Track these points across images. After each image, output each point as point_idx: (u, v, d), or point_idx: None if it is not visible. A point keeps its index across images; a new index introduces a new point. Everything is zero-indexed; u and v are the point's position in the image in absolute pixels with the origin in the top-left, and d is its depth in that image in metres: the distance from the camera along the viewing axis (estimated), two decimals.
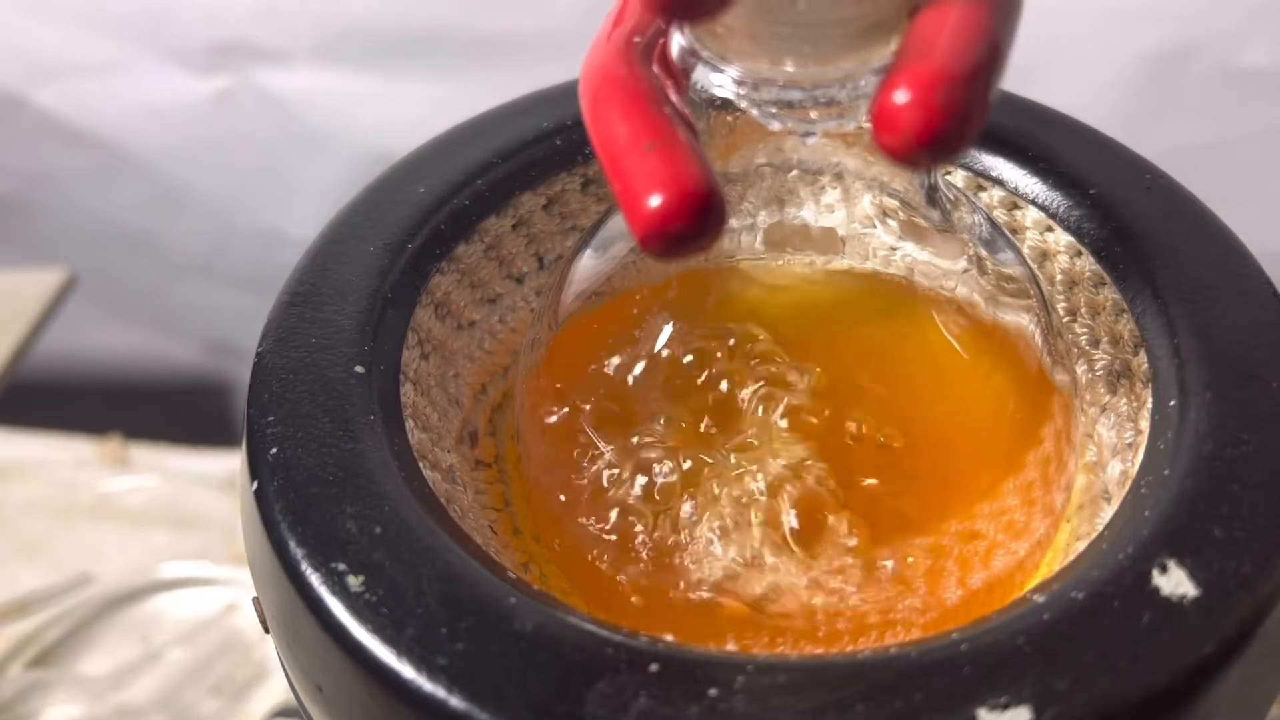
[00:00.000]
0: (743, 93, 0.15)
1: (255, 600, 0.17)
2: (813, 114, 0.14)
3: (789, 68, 0.14)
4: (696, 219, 0.12)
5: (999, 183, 0.21)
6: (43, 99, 0.61)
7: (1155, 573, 0.14)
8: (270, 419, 0.16)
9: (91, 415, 0.61)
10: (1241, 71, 0.52)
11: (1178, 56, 0.52)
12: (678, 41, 0.15)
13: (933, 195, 0.17)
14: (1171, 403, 0.17)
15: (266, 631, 0.16)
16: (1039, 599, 0.14)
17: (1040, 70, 0.53)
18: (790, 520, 0.16)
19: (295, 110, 0.59)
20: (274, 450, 0.16)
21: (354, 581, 0.14)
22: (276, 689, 0.39)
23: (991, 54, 0.12)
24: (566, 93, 0.22)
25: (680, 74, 0.15)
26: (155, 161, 0.62)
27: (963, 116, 0.11)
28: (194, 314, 0.69)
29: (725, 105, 0.15)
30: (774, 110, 0.15)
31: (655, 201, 0.12)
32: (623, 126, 0.13)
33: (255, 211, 0.63)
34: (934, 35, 0.12)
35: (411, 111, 0.58)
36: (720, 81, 0.15)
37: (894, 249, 0.19)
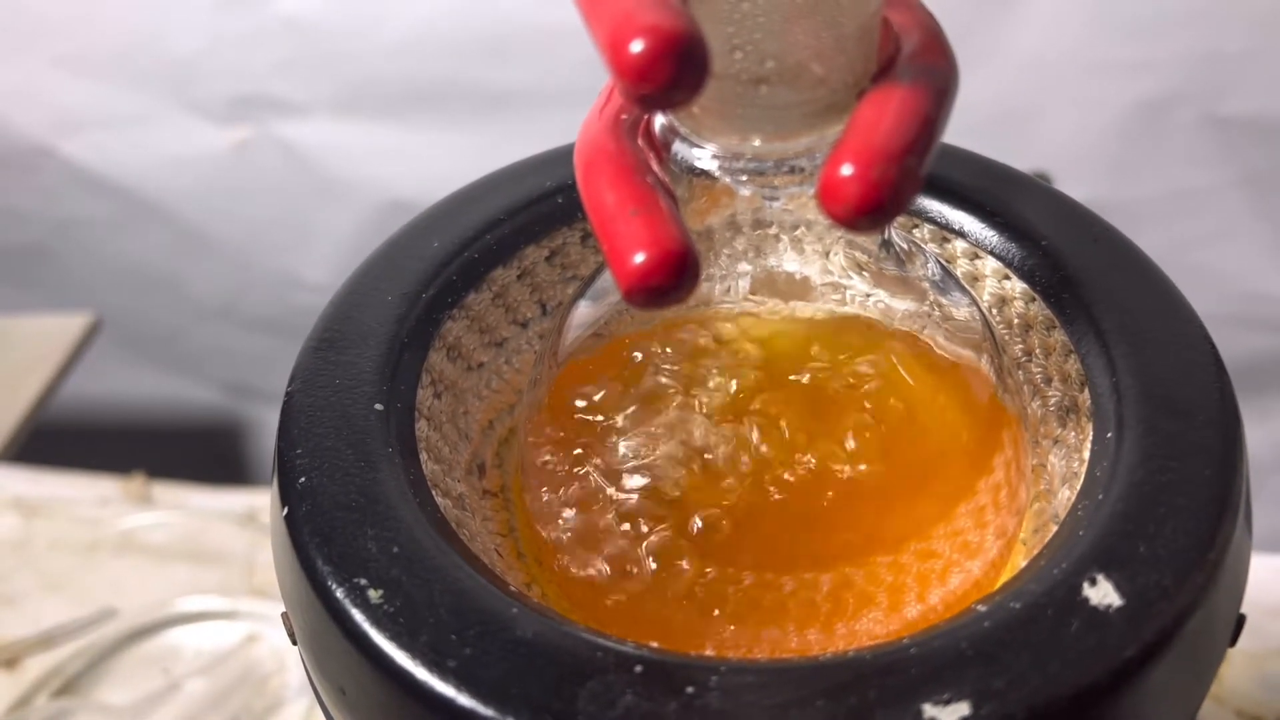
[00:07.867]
0: (716, 164, 0.17)
1: (284, 615, 0.18)
2: (776, 181, 0.16)
3: (756, 143, 0.16)
4: (674, 275, 0.14)
5: (961, 235, 0.23)
6: (69, 149, 0.63)
7: (1086, 585, 0.16)
8: (298, 451, 0.18)
9: (115, 455, 0.62)
10: (1224, 120, 0.53)
11: (1163, 106, 0.53)
12: (659, 120, 0.17)
13: (888, 247, 0.19)
14: (1109, 435, 0.18)
15: (294, 643, 0.18)
16: (981, 609, 0.16)
17: (1034, 120, 0.55)
18: (764, 541, 0.18)
19: (312, 160, 0.61)
20: (302, 479, 0.18)
21: (374, 595, 0.16)
22: (292, 718, 0.40)
23: (924, 134, 0.14)
24: (566, 154, 0.24)
25: (661, 147, 0.17)
26: (177, 209, 0.64)
27: (896, 189, 0.13)
28: (213, 357, 0.70)
29: (701, 173, 0.17)
30: (744, 178, 0.17)
31: (638, 259, 0.14)
32: (611, 194, 0.15)
33: (273, 257, 0.65)
34: (876, 117, 0.14)
35: (424, 161, 0.60)
36: (697, 155, 0.17)
37: (868, 295, 0.21)
